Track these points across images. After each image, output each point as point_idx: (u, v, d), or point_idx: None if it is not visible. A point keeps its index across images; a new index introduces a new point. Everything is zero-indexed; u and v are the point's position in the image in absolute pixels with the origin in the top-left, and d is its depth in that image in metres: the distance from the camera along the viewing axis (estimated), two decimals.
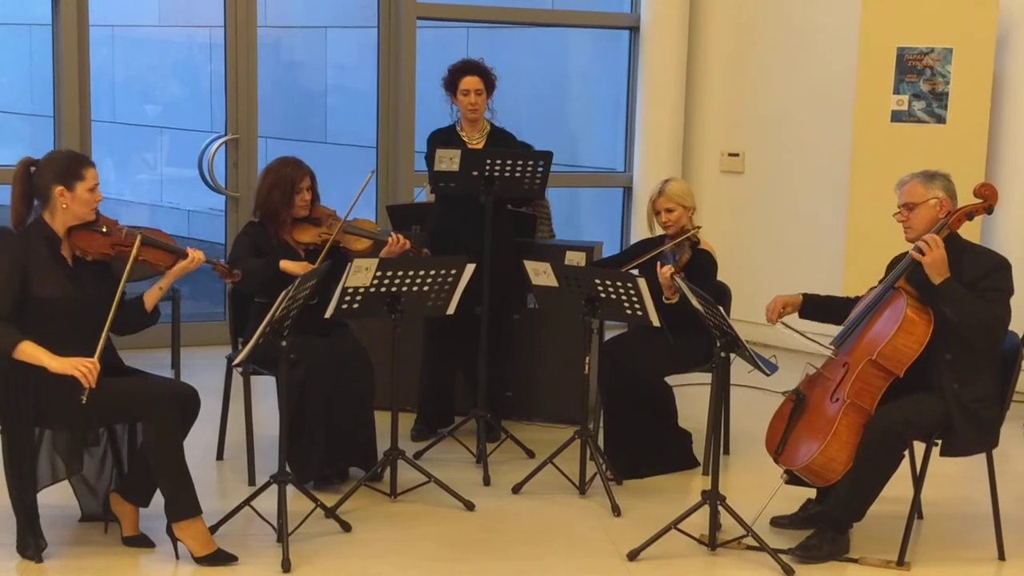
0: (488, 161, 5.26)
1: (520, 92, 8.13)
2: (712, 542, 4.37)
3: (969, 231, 4.57)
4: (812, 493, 4.60)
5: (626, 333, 5.46)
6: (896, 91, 6.76)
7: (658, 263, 5.01)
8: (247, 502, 4.41)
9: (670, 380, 5.24)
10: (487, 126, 5.61)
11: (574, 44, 8.81)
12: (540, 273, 4.86)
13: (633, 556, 4.32)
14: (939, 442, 4.30)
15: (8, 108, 10.26)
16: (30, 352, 3.93)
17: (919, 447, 4.39)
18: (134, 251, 4.16)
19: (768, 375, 4.20)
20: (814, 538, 4.34)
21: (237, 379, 5.08)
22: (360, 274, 4.51)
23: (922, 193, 4.31)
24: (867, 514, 4.30)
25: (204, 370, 6.19)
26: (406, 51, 7.37)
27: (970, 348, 4.22)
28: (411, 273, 4.63)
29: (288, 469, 4.38)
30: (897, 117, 6.78)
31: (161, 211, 10.39)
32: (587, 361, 4.89)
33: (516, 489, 4.99)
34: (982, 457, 4.38)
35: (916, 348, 4.20)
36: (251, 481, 4.92)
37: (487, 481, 5.08)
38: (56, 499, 4.31)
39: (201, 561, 4.13)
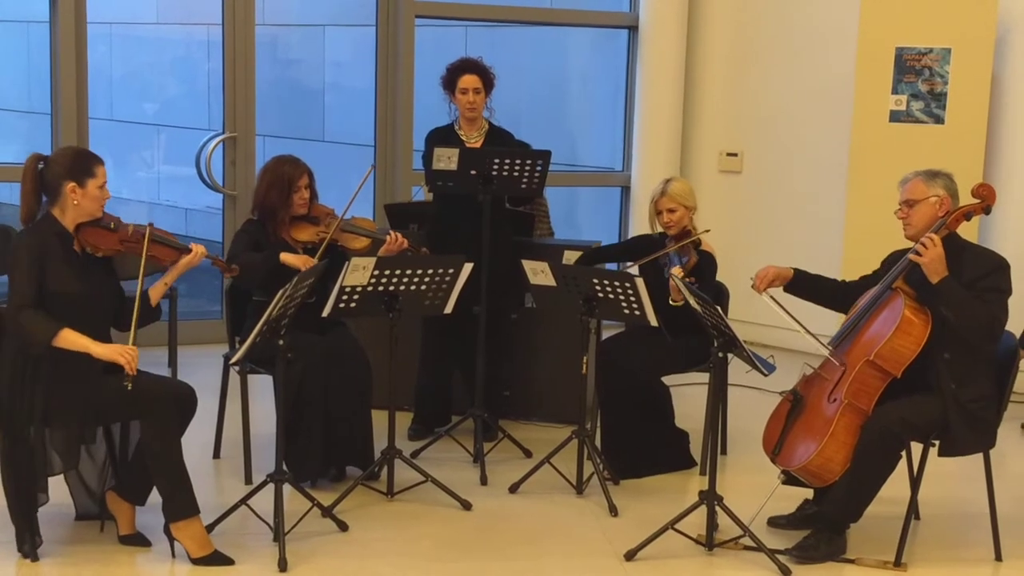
0: (486, 160, 5.26)
1: (519, 91, 8.12)
2: (709, 542, 4.37)
3: (967, 231, 4.56)
4: (809, 493, 4.60)
5: (623, 333, 5.45)
6: (894, 91, 6.76)
7: (664, 266, 5.01)
8: (244, 501, 4.40)
9: (667, 380, 5.24)
10: (485, 125, 5.61)
11: (573, 43, 8.81)
12: (538, 272, 4.86)
13: (630, 556, 4.31)
14: (936, 442, 4.30)
15: (5, 105, 10.25)
16: (72, 339, 3.92)
17: (916, 447, 4.38)
18: (145, 246, 4.16)
19: (766, 375, 4.20)
20: (811, 538, 4.34)
21: (234, 377, 5.07)
22: (358, 273, 4.51)
23: (923, 190, 4.31)
24: (864, 514, 4.30)
25: (201, 368, 6.17)
26: (404, 50, 7.36)
27: (968, 348, 4.22)
28: (409, 272, 4.62)
29: (285, 468, 4.37)
30: (895, 117, 6.78)
31: (159, 209, 10.39)
32: (585, 361, 4.89)
33: (513, 489, 4.98)
34: (979, 457, 4.38)
35: (914, 349, 4.20)
36: (248, 480, 4.92)
37: (484, 481, 5.08)
38: (52, 497, 4.29)
39: (198, 562, 4.13)
